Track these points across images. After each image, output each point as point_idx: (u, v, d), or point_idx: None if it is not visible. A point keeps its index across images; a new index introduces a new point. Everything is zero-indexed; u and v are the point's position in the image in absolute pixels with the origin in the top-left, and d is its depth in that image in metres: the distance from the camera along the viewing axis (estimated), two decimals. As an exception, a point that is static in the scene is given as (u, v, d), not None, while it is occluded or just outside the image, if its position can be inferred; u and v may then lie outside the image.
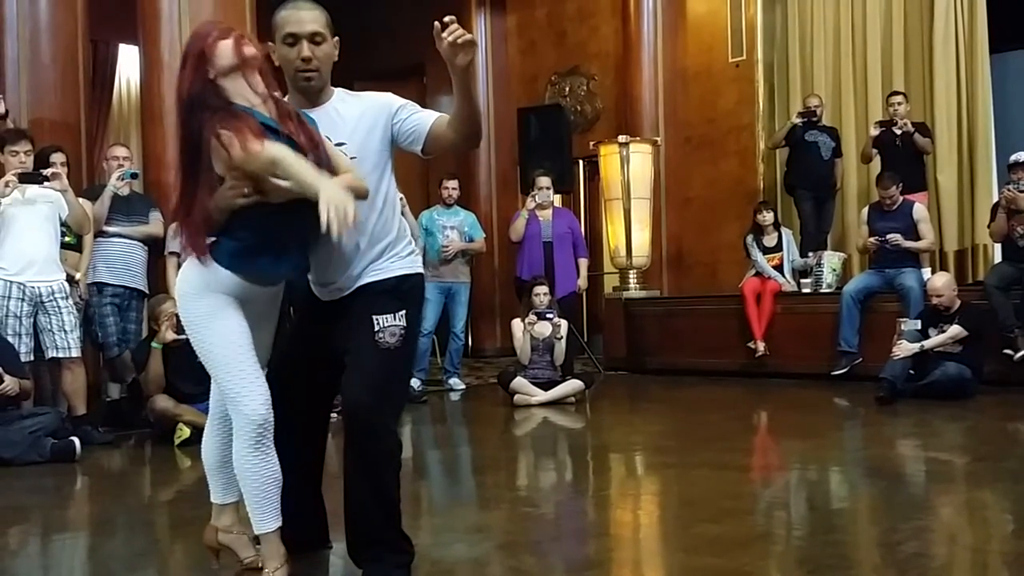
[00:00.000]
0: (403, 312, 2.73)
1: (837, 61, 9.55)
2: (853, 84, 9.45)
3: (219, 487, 2.88)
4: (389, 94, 2.83)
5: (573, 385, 7.11)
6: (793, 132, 8.87)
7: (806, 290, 8.29)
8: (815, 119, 8.79)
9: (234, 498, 2.86)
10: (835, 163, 8.93)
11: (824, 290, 8.19)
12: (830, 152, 8.83)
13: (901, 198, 7.70)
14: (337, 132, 2.75)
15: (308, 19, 2.73)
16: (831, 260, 8.33)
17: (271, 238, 2.62)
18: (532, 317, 7.12)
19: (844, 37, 9.52)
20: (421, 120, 2.77)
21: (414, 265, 2.84)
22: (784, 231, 8.52)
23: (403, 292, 2.77)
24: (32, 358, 5.63)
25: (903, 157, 8.18)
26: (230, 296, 2.63)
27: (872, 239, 7.65)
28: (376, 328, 2.69)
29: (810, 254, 8.46)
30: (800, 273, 8.41)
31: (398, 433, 2.81)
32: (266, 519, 2.65)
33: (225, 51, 2.57)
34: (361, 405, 2.65)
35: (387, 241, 2.79)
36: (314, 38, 2.73)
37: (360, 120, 2.77)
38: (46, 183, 5.63)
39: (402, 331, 2.72)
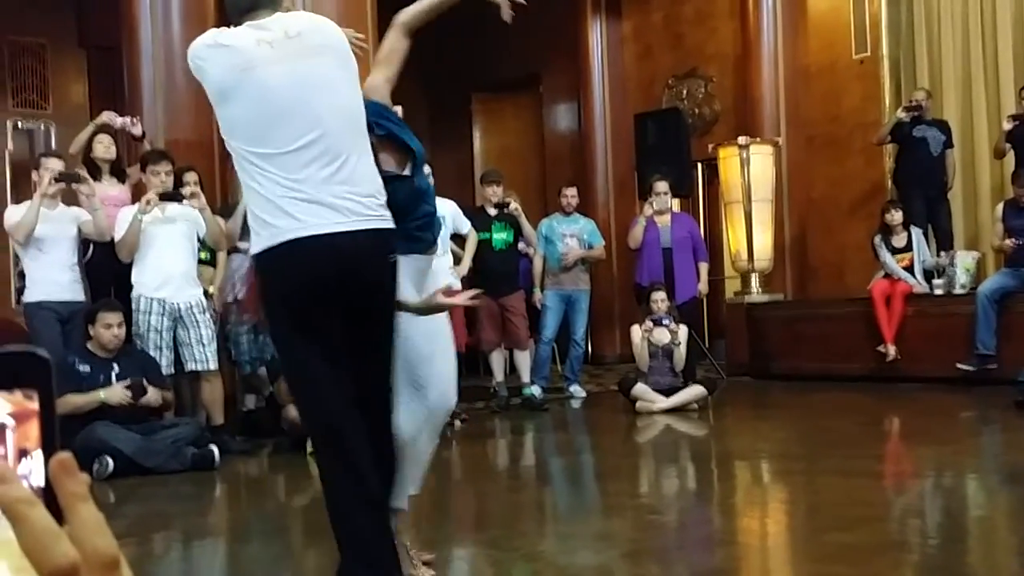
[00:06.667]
0: None
1: (966, 54, 9.21)
2: (984, 77, 9.10)
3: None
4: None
5: (695, 391, 7.04)
6: (900, 128, 8.59)
7: (938, 291, 8.02)
8: (921, 113, 8.49)
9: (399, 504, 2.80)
10: (946, 155, 8.60)
11: (957, 291, 7.91)
12: (940, 146, 8.52)
13: (1038, 194, 7.39)
14: None
15: None
16: (964, 260, 8.03)
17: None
18: (649, 324, 7.09)
19: (973, 29, 9.18)
20: None
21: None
22: (914, 230, 8.26)
23: None
24: (172, 371, 5.88)
25: (1039, 151, 7.84)
26: None
27: (1009, 241, 7.35)
28: None
29: (942, 253, 8.18)
30: (932, 273, 8.14)
31: None
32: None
33: None
34: None
35: None
36: None
37: None
38: (185, 201, 5.88)
39: None
